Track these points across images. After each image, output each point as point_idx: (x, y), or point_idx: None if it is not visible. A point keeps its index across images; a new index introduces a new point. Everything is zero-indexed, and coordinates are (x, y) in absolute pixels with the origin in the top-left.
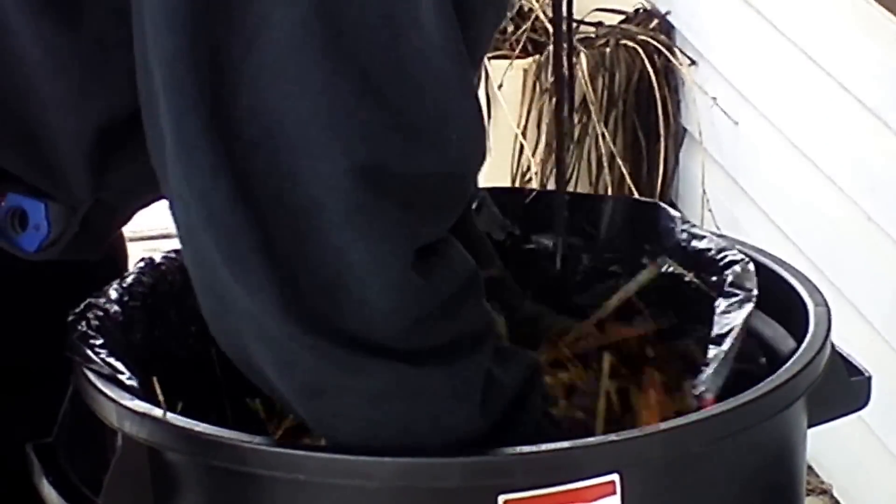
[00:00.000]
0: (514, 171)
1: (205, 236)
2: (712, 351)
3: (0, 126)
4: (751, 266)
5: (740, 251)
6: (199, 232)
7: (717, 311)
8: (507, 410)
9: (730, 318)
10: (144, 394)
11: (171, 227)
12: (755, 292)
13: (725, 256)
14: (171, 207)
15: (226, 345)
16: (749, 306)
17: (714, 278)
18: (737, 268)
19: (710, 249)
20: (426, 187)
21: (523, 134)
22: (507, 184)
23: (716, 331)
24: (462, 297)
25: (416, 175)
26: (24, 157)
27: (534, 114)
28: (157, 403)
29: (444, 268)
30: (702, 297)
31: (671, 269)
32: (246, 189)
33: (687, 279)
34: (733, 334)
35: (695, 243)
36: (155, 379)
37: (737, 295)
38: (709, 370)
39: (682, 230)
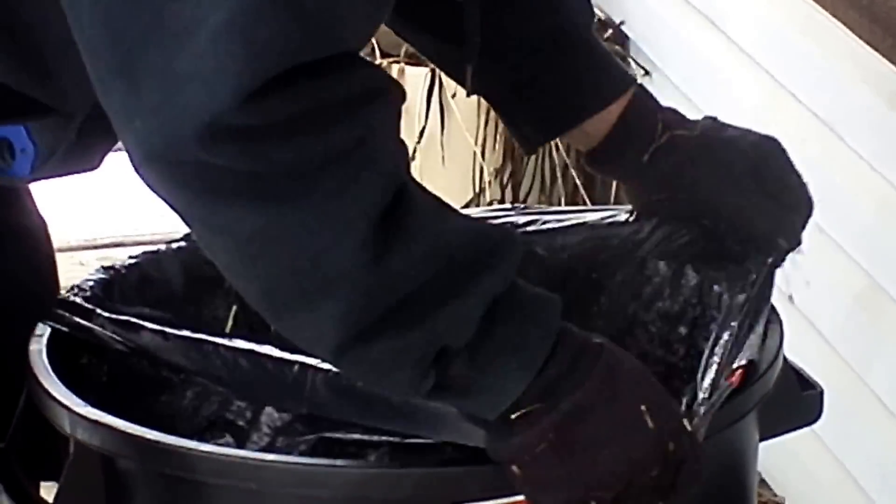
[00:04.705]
0: (473, 181)
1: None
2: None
3: None
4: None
5: None
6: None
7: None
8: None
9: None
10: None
11: (124, 236)
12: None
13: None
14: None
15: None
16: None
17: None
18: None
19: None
20: None
21: (480, 144)
22: (468, 194)
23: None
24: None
25: None
26: (18, 67)
27: (490, 125)
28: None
29: None
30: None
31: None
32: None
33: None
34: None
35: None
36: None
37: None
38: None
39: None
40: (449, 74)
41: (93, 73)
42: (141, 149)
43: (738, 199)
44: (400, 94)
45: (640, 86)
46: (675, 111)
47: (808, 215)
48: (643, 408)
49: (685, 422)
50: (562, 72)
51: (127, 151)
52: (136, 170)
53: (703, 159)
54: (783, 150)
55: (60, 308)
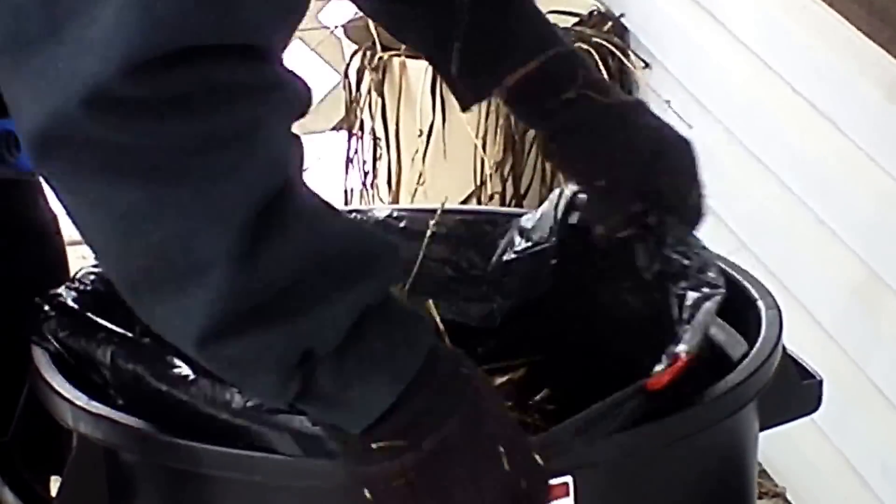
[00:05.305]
0: (474, 174)
1: None
2: (685, 327)
3: None
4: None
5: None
6: None
7: (687, 302)
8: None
9: (700, 307)
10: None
11: None
12: (722, 283)
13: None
14: None
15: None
16: (718, 297)
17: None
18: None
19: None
20: None
21: (481, 138)
22: (470, 187)
23: (687, 314)
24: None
25: None
26: None
27: (491, 118)
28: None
29: None
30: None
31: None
32: None
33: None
34: (705, 316)
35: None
36: None
37: (702, 288)
38: (685, 336)
39: None
40: (430, 61)
41: None
42: (31, 122)
43: (621, 179)
44: (304, 95)
45: (570, 47)
46: (606, 81)
47: (695, 225)
48: (501, 448)
49: (537, 458)
50: (488, 28)
51: (17, 129)
52: (27, 147)
53: (602, 128)
54: (692, 157)
55: (39, 307)
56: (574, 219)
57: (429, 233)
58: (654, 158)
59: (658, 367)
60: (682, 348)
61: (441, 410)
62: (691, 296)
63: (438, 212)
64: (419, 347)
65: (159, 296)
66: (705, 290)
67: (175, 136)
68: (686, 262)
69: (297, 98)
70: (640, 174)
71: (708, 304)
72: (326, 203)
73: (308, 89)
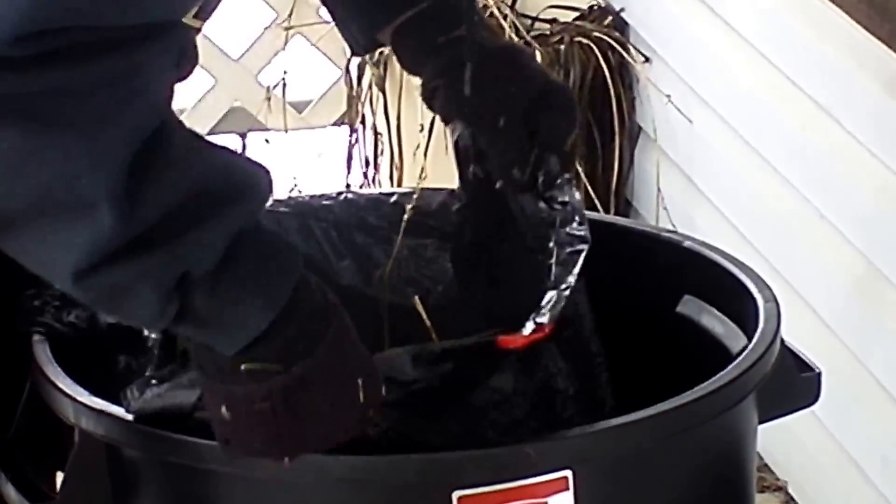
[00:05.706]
0: None
1: None
2: (550, 294)
3: None
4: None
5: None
6: None
7: (554, 259)
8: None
9: (568, 266)
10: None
11: None
12: (587, 236)
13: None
14: None
15: None
16: (583, 251)
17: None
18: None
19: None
20: None
21: None
22: None
23: (554, 274)
24: None
25: None
26: None
27: None
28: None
29: None
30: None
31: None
32: None
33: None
34: (571, 277)
35: None
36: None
37: (570, 243)
38: (549, 303)
39: None
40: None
41: None
42: None
43: (514, 116)
44: (184, 43)
45: None
46: (494, 27)
47: (566, 171)
48: (360, 381)
49: (384, 389)
50: None
51: None
52: None
53: (492, 64)
54: (573, 104)
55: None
56: (479, 172)
57: (406, 215)
58: (538, 97)
59: (524, 330)
60: (546, 316)
61: (310, 338)
62: (559, 252)
63: (415, 194)
64: (291, 275)
65: (40, 232)
66: (569, 247)
67: (57, 85)
68: (553, 211)
69: (175, 46)
70: (526, 112)
71: (574, 265)
72: (198, 135)
73: (188, 39)
